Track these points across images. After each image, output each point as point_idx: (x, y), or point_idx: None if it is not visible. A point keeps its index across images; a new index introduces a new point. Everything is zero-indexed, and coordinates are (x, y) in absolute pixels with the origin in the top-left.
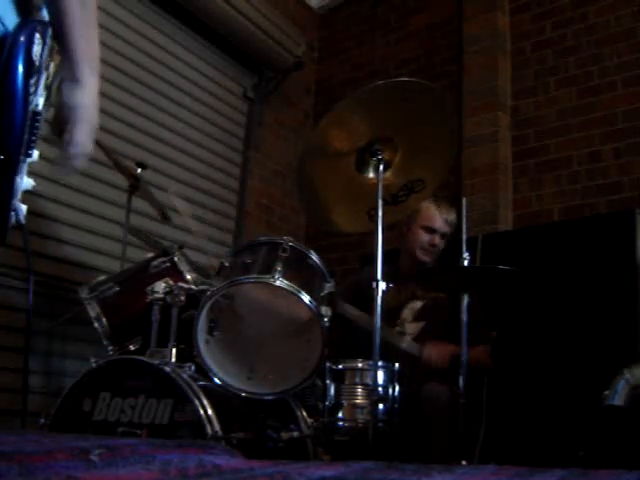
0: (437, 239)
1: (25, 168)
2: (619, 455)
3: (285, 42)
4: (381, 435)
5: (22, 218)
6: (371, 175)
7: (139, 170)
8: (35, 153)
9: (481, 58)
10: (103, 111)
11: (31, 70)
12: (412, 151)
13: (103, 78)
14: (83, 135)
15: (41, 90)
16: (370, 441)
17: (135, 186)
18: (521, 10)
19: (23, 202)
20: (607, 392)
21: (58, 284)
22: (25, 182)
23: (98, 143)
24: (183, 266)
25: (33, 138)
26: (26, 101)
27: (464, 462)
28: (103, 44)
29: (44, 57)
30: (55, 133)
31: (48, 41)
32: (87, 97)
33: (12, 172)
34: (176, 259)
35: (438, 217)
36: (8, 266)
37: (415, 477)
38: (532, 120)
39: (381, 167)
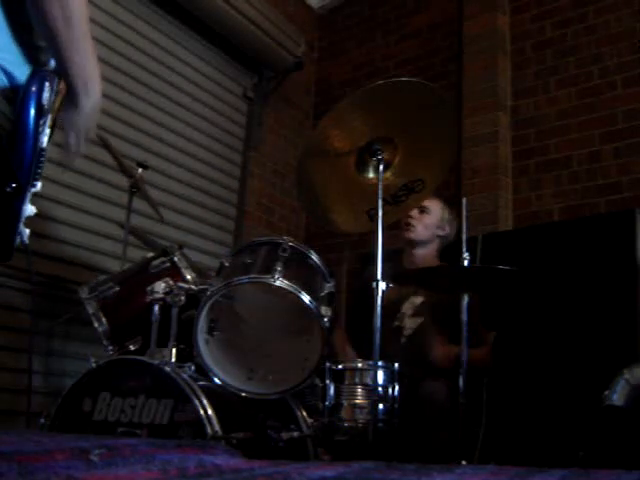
0: (414, 212)
1: (29, 197)
2: (619, 455)
3: (285, 42)
4: (381, 435)
5: (26, 239)
6: (371, 175)
7: (140, 170)
8: (39, 184)
9: (481, 58)
10: (104, 111)
11: (41, 113)
12: (412, 151)
13: (103, 78)
14: (73, 144)
15: (46, 128)
16: (370, 441)
17: (136, 186)
18: (521, 10)
19: (26, 226)
20: (607, 392)
21: (58, 284)
22: (29, 209)
23: (103, 143)
24: (183, 266)
25: (38, 171)
26: (36, 140)
27: (464, 462)
28: (103, 44)
29: (51, 100)
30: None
31: (55, 87)
32: (84, 119)
33: (21, 199)
34: (176, 259)
35: None
36: (9, 267)
37: (415, 477)
38: (532, 120)
39: (381, 167)
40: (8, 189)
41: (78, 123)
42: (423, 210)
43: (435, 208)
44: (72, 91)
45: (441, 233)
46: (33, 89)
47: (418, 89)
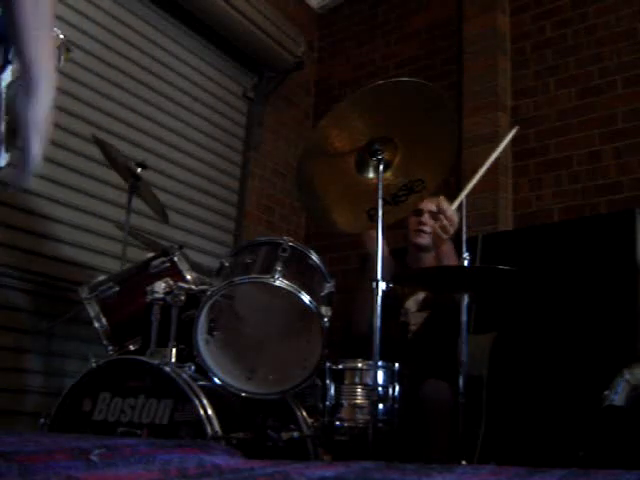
0: (425, 218)
1: None
2: (619, 455)
3: (285, 42)
4: (381, 435)
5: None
6: (371, 175)
7: (139, 170)
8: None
9: (481, 58)
10: (104, 111)
11: None
12: (412, 151)
13: (104, 78)
14: (35, 147)
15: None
16: (370, 441)
17: (136, 186)
18: (521, 10)
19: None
20: (607, 392)
21: (58, 284)
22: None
23: (98, 142)
24: (183, 266)
25: None
26: None
27: (464, 462)
28: (103, 44)
29: None
30: (8, 142)
31: None
32: (41, 109)
33: None
34: (176, 259)
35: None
36: (6, 265)
37: (415, 477)
38: (532, 120)
39: (381, 167)
40: None
41: (35, 117)
42: (434, 215)
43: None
44: (28, 75)
45: None
46: None
47: (418, 89)
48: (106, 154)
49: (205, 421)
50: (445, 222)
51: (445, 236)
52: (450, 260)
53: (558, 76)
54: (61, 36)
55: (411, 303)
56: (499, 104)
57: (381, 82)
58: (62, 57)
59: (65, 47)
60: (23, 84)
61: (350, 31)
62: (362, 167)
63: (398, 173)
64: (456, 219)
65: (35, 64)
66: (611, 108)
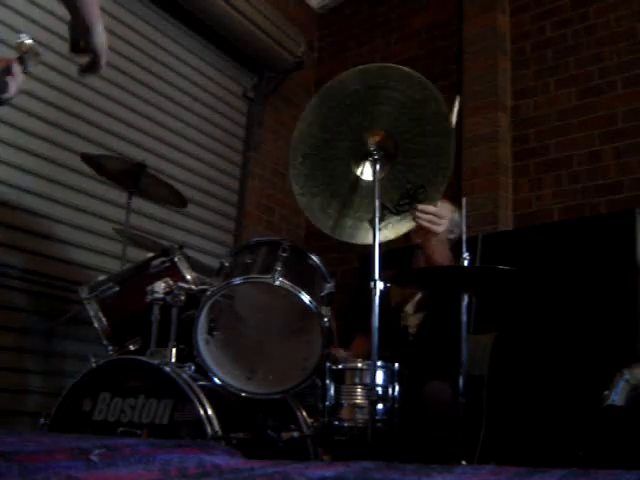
0: None
1: None
2: (619, 455)
3: (285, 42)
4: (381, 435)
5: None
6: (369, 178)
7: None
8: None
9: (481, 58)
10: (103, 111)
11: None
12: (408, 152)
13: (103, 78)
14: (103, 53)
15: None
16: (370, 441)
17: (135, 186)
18: (521, 10)
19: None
20: (607, 392)
21: (58, 284)
22: None
23: (87, 160)
24: (183, 266)
25: None
26: None
27: (464, 462)
28: None
29: None
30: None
31: None
32: (100, 35)
33: None
34: (176, 259)
35: None
36: (6, 265)
37: (415, 477)
38: (532, 120)
39: (377, 166)
40: None
41: (98, 39)
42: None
43: (447, 213)
44: (89, 23)
45: (451, 236)
46: None
47: (403, 79)
48: (98, 169)
49: (205, 421)
50: (430, 216)
51: (432, 227)
52: (436, 253)
53: (558, 76)
54: (29, 41)
55: (409, 306)
56: (499, 104)
57: (364, 66)
58: (31, 62)
59: (34, 52)
60: (84, 26)
61: (350, 31)
62: (359, 165)
63: (398, 176)
64: (446, 214)
65: (94, 19)
66: (611, 108)
